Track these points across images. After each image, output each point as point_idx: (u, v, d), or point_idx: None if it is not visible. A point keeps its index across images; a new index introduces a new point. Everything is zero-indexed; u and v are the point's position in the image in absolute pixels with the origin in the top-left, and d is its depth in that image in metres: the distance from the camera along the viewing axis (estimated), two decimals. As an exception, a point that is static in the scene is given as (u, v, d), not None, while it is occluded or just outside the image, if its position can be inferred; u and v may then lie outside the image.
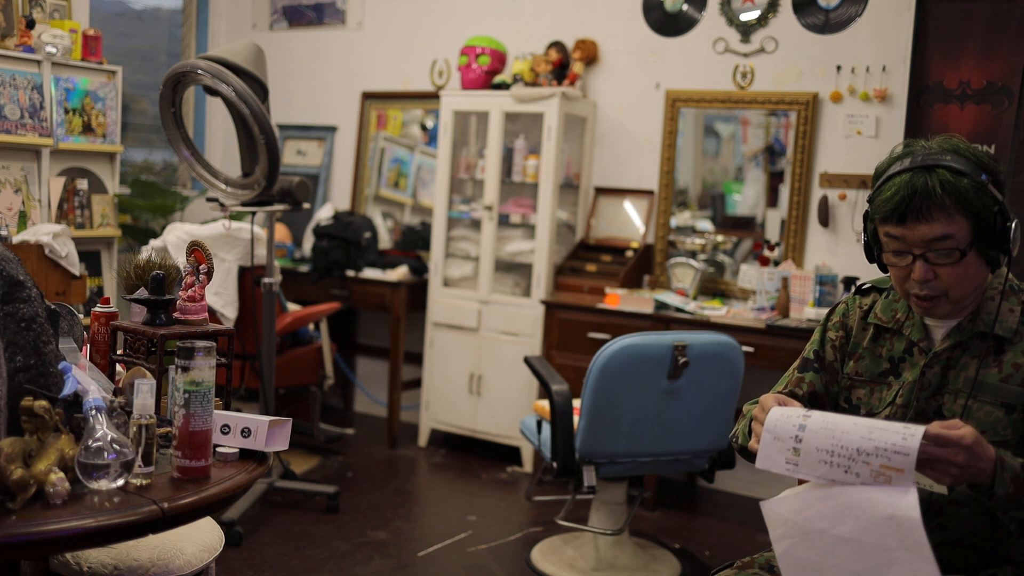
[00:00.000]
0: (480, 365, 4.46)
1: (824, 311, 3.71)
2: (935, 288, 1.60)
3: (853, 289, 1.84)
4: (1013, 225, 1.57)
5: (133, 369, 1.74)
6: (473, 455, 4.54)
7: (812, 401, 1.78)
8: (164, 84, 3.29)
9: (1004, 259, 1.62)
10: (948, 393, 1.63)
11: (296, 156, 5.45)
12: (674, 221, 4.40)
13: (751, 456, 1.67)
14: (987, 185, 1.57)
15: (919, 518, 1.34)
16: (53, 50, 3.92)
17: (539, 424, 3.20)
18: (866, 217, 1.71)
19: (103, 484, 1.37)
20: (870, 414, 1.69)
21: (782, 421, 1.45)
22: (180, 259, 3.43)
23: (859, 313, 1.78)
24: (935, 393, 1.64)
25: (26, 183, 3.91)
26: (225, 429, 1.65)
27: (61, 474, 1.34)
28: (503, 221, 4.51)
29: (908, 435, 1.36)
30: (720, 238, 4.36)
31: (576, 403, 3.11)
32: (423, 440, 4.66)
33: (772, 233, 4.19)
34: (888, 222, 1.61)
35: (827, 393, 1.78)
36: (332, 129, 5.37)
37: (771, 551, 1.62)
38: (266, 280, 3.60)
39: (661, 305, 3.95)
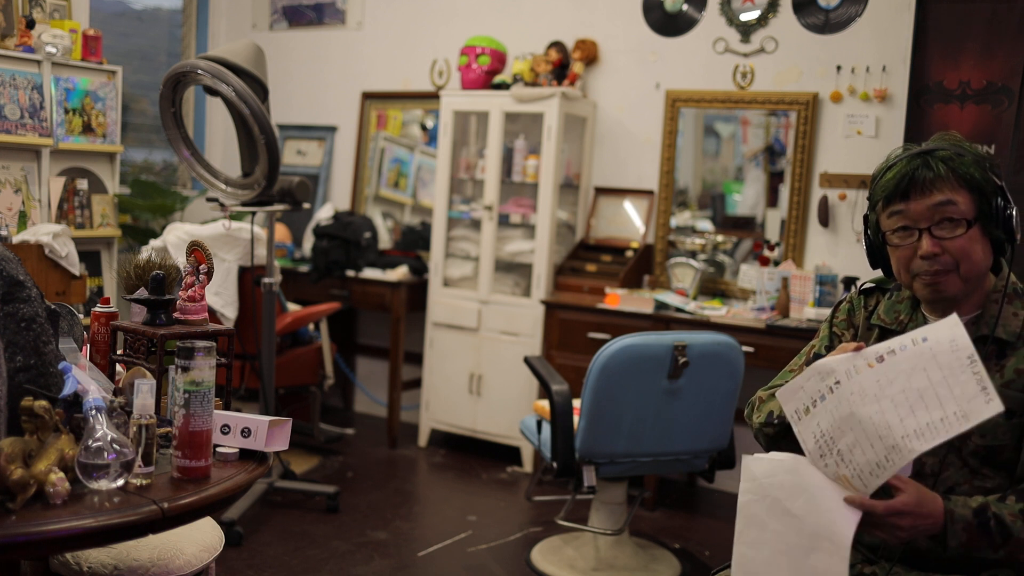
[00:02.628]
0: (480, 365, 4.46)
1: (825, 311, 3.71)
2: (944, 263, 1.57)
3: (855, 289, 1.83)
4: (1014, 212, 1.57)
5: (133, 369, 1.74)
6: (473, 455, 4.54)
7: None
8: (164, 84, 3.29)
9: (1008, 249, 1.61)
10: None
11: (296, 156, 5.45)
12: (674, 221, 4.40)
13: (767, 442, 1.73)
14: (987, 163, 1.59)
15: (851, 536, 1.43)
16: (53, 50, 3.92)
17: (539, 424, 3.20)
18: (866, 219, 1.71)
19: (103, 484, 1.37)
20: None
21: (823, 373, 1.50)
22: (180, 259, 3.43)
23: (864, 314, 1.77)
24: None
25: (26, 183, 3.91)
26: (225, 429, 1.65)
27: (61, 474, 1.34)
28: (503, 221, 4.51)
29: (864, 485, 1.45)
30: (720, 238, 4.36)
31: (576, 403, 3.11)
32: (423, 440, 4.66)
33: (772, 233, 4.20)
34: (891, 202, 1.61)
35: None
36: (332, 129, 5.37)
37: None
38: (266, 280, 3.60)
39: (661, 305, 3.95)
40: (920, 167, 1.58)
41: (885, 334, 1.72)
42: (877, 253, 1.72)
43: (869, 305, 1.78)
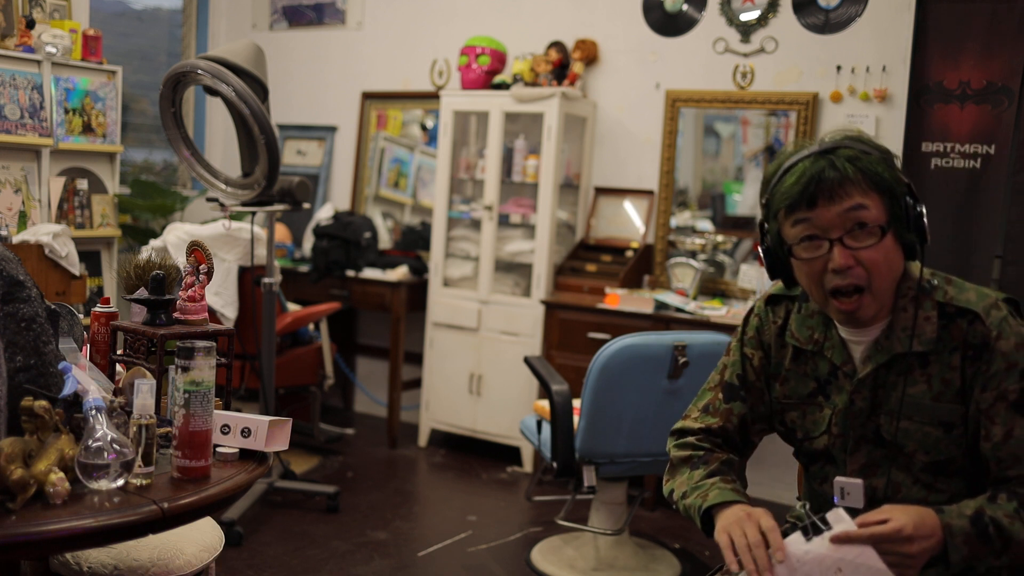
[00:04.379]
0: (480, 365, 4.46)
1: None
2: (858, 277, 1.44)
3: (762, 298, 1.68)
4: (923, 210, 1.46)
5: (133, 369, 1.74)
6: (473, 455, 4.54)
7: (741, 429, 1.68)
8: (164, 84, 3.29)
9: (919, 251, 1.49)
10: (884, 414, 1.53)
11: (296, 156, 5.45)
12: (674, 221, 4.40)
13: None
14: (893, 160, 1.47)
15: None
16: (53, 50, 3.92)
17: (539, 424, 3.20)
18: (763, 228, 1.56)
19: (103, 484, 1.37)
20: (807, 438, 1.62)
21: None
22: (180, 259, 3.43)
23: (774, 329, 1.64)
24: (869, 417, 1.54)
25: (26, 183, 3.91)
26: (225, 429, 1.65)
27: (61, 474, 1.34)
28: (503, 221, 4.51)
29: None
30: (720, 238, 4.36)
31: (576, 403, 3.11)
32: (423, 440, 4.66)
33: (772, 233, 4.19)
34: (796, 209, 1.46)
35: (754, 417, 1.68)
36: (332, 129, 5.37)
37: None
38: (266, 280, 3.60)
39: (661, 305, 3.95)
40: (826, 168, 1.43)
41: (799, 354, 1.61)
42: (778, 264, 1.56)
43: (778, 318, 1.64)
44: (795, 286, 1.59)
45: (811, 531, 1.42)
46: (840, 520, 1.40)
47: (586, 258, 4.46)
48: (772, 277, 1.60)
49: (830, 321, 1.56)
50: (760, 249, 1.58)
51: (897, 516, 1.37)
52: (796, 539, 1.42)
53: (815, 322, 1.59)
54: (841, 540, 1.38)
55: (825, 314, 1.56)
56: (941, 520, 1.39)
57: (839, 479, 1.52)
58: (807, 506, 1.55)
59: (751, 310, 1.69)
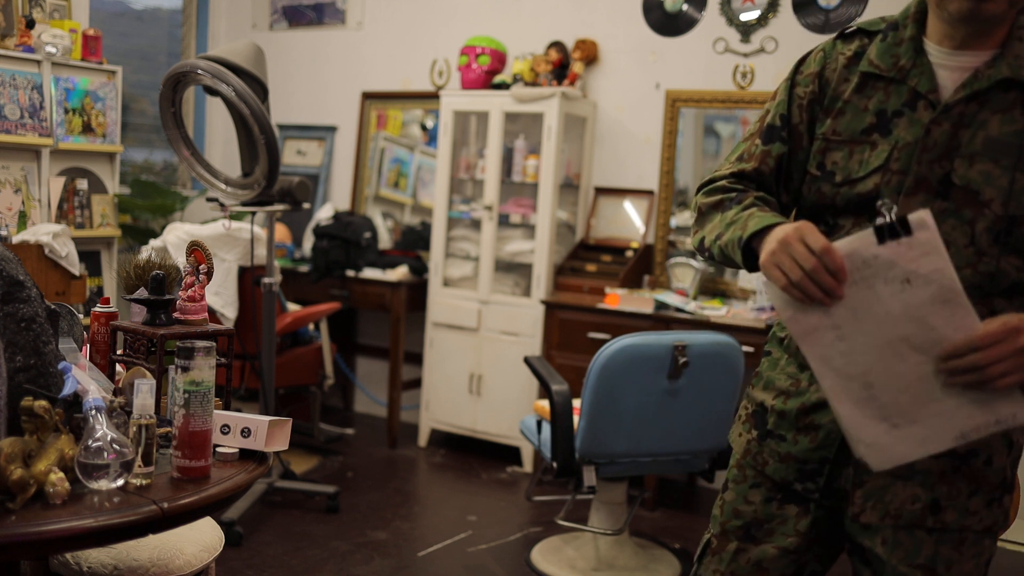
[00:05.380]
0: (480, 365, 4.45)
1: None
2: None
3: (831, 37, 1.54)
4: None
5: (133, 369, 1.74)
6: (473, 455, 4.54)
7: (778, 173, 1.54)
8: (164, 84, 3.29)
9: None
10: (960, 157, 1.36)
11: (296, 156, 5.44)
12: (674, 221, 4.40)
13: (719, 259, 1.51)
14: None
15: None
16: (53, 50, 3.92)
17: (539, 424, 3.20)
18: None
19: (103, 484, 1.37)
20: (847, 181, 1.44)
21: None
22: (180, 259, 3.43)
23: (842, 61, 1.49)
24: (942, 156, 1.37)
25: (26, 183, 3.91)
26: (225, 429, 1.65)
27: (61, 474, 1.34)
28: (503, 221, 4.51)
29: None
30: (720, 238, 4.35)
31: (576, 403, 3.11)
32: (423, 440, 4.66)
33: (772, 233, 4.19)
34: None
35: (792, 162, 1.53)
36: (332, 129, 5.37)
37: None
38: (266, 280, 3.60)
39: (661, 305, 3.95)
40: None
41: (866, 85, 1.44)
42: None
43: (848, 50, 1.49)
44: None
45: (887, 234, 1.23)
46: (924, 226, 1.21)
47: (586, 258, 4.46)
48: None
49: (922, 49, 1.41)
50: None
51: (995, 322, 1.25)
52: (866, 238, 1.24)
53: (904, 49, 1.42)
54: (951, 352, 1.23)
55: (919, 41, 1.41)
56: None
57: (885, 200, 1.30)
58: (891, 208, 1.26)
59: (811, 50, 1.55)
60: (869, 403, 1.30)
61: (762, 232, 1.37)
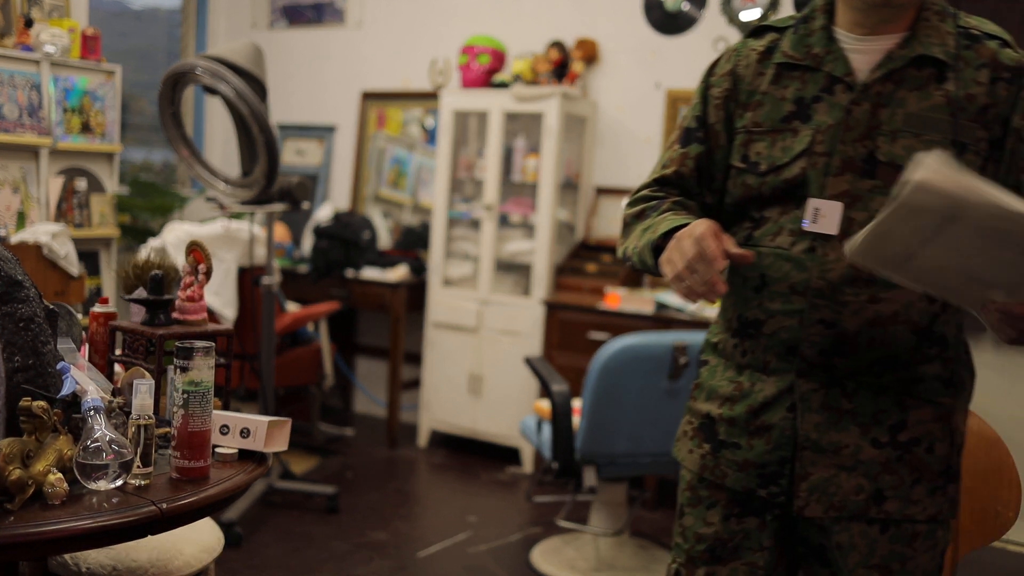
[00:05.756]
0: (480, 365, 4.45)
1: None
2: None
3: (744, 34, 1.57)
4: None
5: (132, 369, 1.74)
6: (473, 455, 4.53)
7: (698, 174, 1.56)
8: (163, 83, 3.28)
9: None
10: (882, 135, 1.38)
11: (295, 156, 5.44)
12: (674, 221, 4.39)
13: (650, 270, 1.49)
14: None
15: None
16: (52, 49, 3.91)
17: (539, 424, 3.20)
18: None
19: (102, 485, 1.36)
20: (772, 169, 1.45)
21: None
22: (179, 259, 3.42)
23: (754, 57, 1.51)
24: (864, 136, 1.39)
25: (24, 183, 3.90)
26: (224, 429, 1.64)
27: (59, 475, 1.34)
28: (503, 221, 4.50)
29: None
30: (720, 238, 4.35)
31: (576, 403, 3.10)
32: (423, 440, 4.65)
33: (772, 233, 4.18)
34: None
35: (711, 161, 1.54)
36: (332, 129, 5.36)
37: None
38: (265, 280, 3.59)
39: (661, 305, 3.94)
40: None
41: (782, 75, 1.46)
42: None
43: (760, 45, 1.51)
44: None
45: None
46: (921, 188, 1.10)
47: (586, 258, 4.45)
48: None
49: (833, 37, 1.45)
50: None
51: None
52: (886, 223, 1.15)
53: (816, 38, 1.46)
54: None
55: (829, 30, 1.45)
56: None
57: (814, 200, 1.39)
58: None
59: (726, 50, 1.57)
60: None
61: (671, 233, 1.41)
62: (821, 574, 1.49)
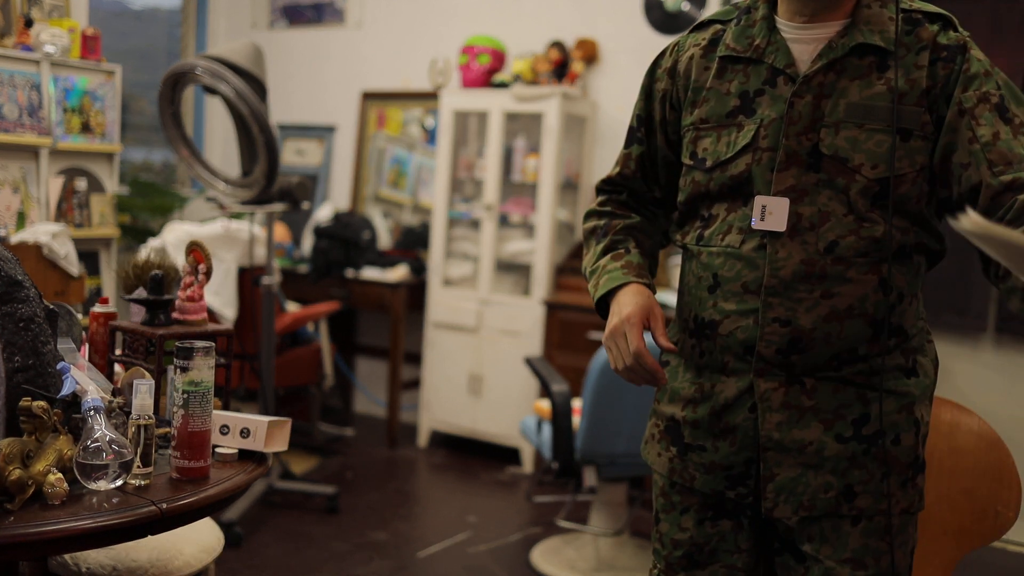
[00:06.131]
0: (480, 365, 4.45)
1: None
2: None
3: (688, 29, 1.55)
4: None
5: (132, 369, 1.74)
6: (473, 456, 4.53)
7: (641, 173, 1.60)
8: (163, 83, 3.28)
9: None
10: (825, 127, 1.36)
11: (295, 156, 5.44)
12: (674, 221, 4.39)
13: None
14: None
15: None
16: (52, 49, 3.91)
17: (539, 424, 3.20)
18: None
19: (102, 485, 1.36)
20: (718, 165, 1.44)
21: None
22: (179, 259, 3.42)
23: (697, 52, 1.49)
24: (807, 128, 1.37)
25: (24, 183, 3.90)
26: (224, 429, 1.64)
27: (59, 475, 1.34)
28: (503, 221, 4.50)
29: None
30: (720, 238, 4.35)
31: (576, 403, 3.10)
32: (423, 440, 4.65)
33: (772, 233, 4.18)
34: None
35: (653, 161, 1.58)
36: (332, 129, 5.36)
37: None
38: (265, 280, 3.59)
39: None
40: None
41: (725, 69, 1.45)
42: None
43: (702, 40, 1.50)
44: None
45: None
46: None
47: (586, 258, 4.45)
48: None
49: (775, 27, 1.43)
50: None
51: None
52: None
53: (757, 30, 1.44)
54: None
55: (771, 20, 1.43)
56: None
57: (760, 197, 1.38)
58: None
59: (668, 45, 1.56)
60: None
61: (608, 295, 1.49)
62: (795, 569, 1.47)
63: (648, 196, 1.64)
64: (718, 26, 1.50)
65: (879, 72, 1.36)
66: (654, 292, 1.52)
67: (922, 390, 1.44)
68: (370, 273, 4.62)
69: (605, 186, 1.68)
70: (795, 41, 1.41)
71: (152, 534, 1.39)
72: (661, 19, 4.40)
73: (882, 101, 1.35)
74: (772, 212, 1.37)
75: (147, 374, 1.69)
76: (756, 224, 1.38)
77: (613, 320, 1.45)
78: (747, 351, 1.41)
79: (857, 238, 1.36)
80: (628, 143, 1.61)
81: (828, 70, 1.37)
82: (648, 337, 1.46)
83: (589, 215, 1.66)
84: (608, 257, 1.55)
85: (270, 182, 3.34)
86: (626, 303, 1.45)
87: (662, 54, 1.56)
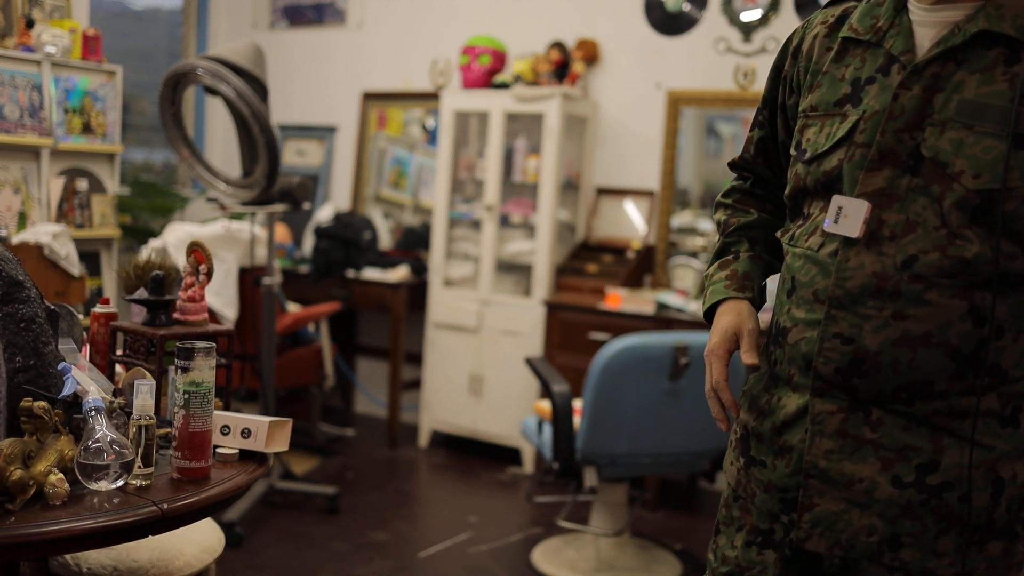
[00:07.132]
0: (481, 366, 4.45)
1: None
2: None
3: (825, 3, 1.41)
4: None
5: (133, 370, 1.74)
6: (473, 456, 4.53)
7: (762, 157, 1.49)
8: (164, 84, 3.28)
9: None
10: (932, 125, 1.19)
11: (296, 156, 5.44)
12: (675, 221, 4.39)
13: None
14: None
15: None
16: (53, 50, 3.91)
17: (540, 425, 3.20)
18: None
19: (102, 485, 1.36)
20: (815, 157, 1.30)
21: None
22: (180, 259, 3.42)
23: (823, 30, 1.35)
24: (911, 125, 1.20)
25: (25, 183, 3.90)
26: (225, 430, 1.64)
27: (60, 475, 1.34)
28: (504, 221, 4.50)
29: None
30: (721, 238, 4.35)
31: (577, 404, 3.10)
32: (423, 441, 4.65)
33: (773, 233, 4.19)
34: None
35: (775, 146, 1.47)
36: (332, 129, 5.36)
37: None
38: (266, 280, 3.59)
39: (662, 306, 3.94)
40: None
41: (845, 52, 1.30)
42: None
43: (830, 17, 1.35)
44: None
45: None
46: None
47: (587, 258, 4.45)
48: None
49: (903, 8, 1.26)
50: None
51: None
52: None
53: (883, 9, 1.28)
54: None
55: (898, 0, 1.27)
56: None
57: (838, 197, 1.24)
58: None
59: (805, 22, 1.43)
60: None
61: (714, 307, 1.46)
62: None
63: (774, 182, 1.51)
64: (851, 2, 1.35)
65: (1006, 66, 1.16)
66: (760, 301, 1.46)
67: (1016, 444, 1.23)
68: (371, 273, 4.62)
69: (733, 169, 1.57)
70: (921, 24, 1.23)
71: (153, 534, 1.39)
72: (661, 19, 4.40)
73: (1000, 100, 1.16)
74: (848, 215, 1.22)
75: (148, 374, 1.69)
76: (828, 226, 1.25)
77: (711, 339, 1.41)
78: (809, 365, 1.29)
79: (942, 256, 1.18)
80: (752, 125, 1.50)
81: (946, 59, 1.19)
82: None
83: (717, 205, 1.57)
84: (716, 265, 1.49)
85: (271, 182, 3.34)
86: (718, 327, 1.40)
87: (795, 31, 1.42)
